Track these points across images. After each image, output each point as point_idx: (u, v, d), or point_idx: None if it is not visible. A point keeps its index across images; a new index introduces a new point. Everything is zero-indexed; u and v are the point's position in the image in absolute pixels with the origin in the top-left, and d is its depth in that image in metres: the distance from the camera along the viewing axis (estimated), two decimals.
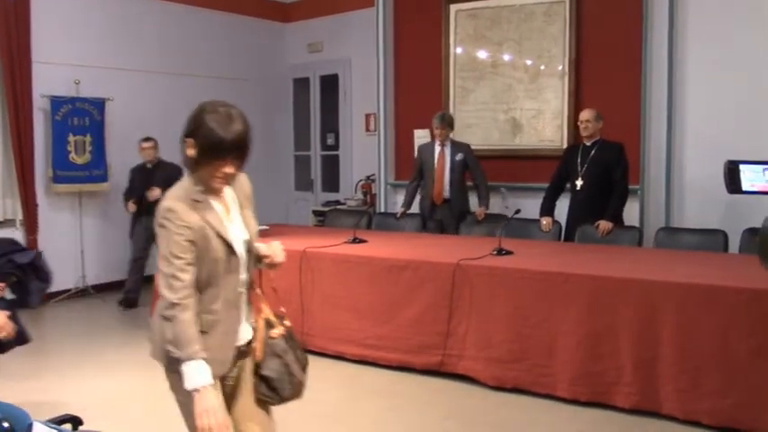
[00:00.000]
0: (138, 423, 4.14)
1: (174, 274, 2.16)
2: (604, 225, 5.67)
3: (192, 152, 2.21)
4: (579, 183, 5.89)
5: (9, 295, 3.60)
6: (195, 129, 2.20)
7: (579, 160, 5.88)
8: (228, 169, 2.23)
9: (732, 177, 2.24)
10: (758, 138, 5.69)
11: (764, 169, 2.27)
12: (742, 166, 2.26)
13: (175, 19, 8.20)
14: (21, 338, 3.46)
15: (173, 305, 2.15)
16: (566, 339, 4.26)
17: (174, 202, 2.22)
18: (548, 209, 6.12)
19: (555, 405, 4.27)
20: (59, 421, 2.61)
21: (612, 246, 5.49)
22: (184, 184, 2.27)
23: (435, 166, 6.60)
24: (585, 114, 5.89)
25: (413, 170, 6.88)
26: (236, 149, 2.21)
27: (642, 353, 4.02)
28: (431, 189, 6.64)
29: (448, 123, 6.58)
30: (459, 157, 6.55)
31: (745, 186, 2.24)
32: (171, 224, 2.18)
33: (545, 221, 6.05)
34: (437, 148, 6.63)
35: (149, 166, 7.05)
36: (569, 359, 4.24)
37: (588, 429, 3.99)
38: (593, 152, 5.84)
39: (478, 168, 6.60)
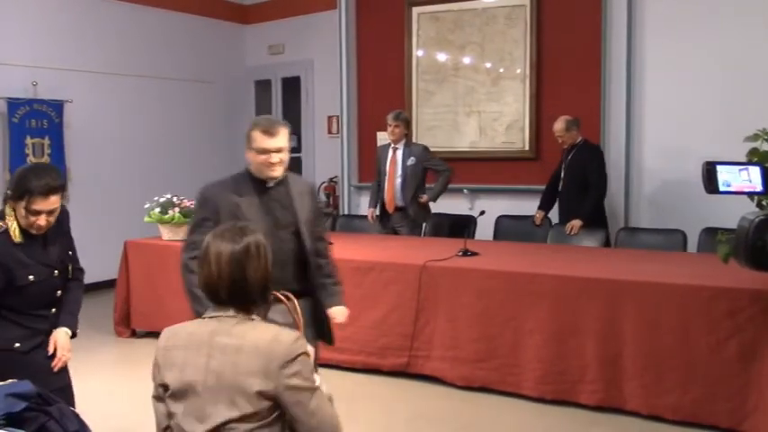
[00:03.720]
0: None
1: None
2: (572, 223, 5.79)
3: None
4: (561, 184, 6.07)
5: None
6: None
7: (564, 164, 6.06)
8: None
9: (710, 178, 2.30)
10: (716, 139, 5.80)
11: (740, 170, 2.34)
12: (719, 167, 2.33)
13: (135, 20, 8.07)
14: None
15: None
16: (532, 338, 4.32)
17: None
18: (543, 204, 6.29)
19: (522, 403, 4.32)
20: None
21: (576, 246, 5.59)
22: None
23: (387, 170, 6.24)
24: (555, 127, 6.01)
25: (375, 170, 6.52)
26: None
27: (606, 351, 4.10)
28: (383, 195, 6.28)
29: (403, 121, 6.14)
30: (411, 161, 6.11)
31: (722, 187, 2.30)
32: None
33: (537, 214, 6.23)
34: (390, 152, 6.23)
35: None
36: (535, 358, 4.30)
37: (554, 427, 4.05)
38: (571, 154, 5.97)
39: (441, 165, 6.18)
